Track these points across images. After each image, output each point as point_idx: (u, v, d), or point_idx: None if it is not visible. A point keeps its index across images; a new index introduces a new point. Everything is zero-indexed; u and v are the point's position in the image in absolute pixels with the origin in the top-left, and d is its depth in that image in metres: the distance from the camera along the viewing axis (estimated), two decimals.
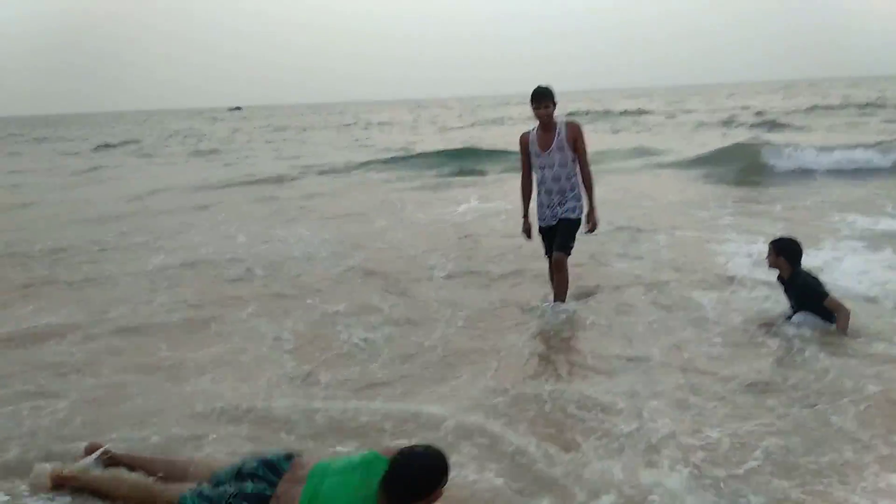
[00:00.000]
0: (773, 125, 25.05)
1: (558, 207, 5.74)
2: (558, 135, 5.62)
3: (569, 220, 5.73)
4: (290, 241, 8.94)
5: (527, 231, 6.01)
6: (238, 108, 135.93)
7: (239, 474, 2.93)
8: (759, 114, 31.05)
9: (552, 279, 5.95)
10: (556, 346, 5.09)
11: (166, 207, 12.75)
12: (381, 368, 4.72)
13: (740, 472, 3.25)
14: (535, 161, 5.76)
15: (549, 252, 5.94)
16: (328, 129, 41.49)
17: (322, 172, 18.38)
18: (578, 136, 5.66)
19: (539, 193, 5.85)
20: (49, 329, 5.59)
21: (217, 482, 2.95)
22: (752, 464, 3.31)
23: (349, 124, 46.71)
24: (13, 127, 69.42)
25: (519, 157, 5.93)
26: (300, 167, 19.56)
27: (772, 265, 5.32)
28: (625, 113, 37.82)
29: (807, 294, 5.14)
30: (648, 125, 30.36)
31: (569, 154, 5.65)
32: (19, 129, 61.35)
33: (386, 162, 19.76)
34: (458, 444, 3.54)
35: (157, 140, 36.83)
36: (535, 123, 5.78)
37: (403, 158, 20.40)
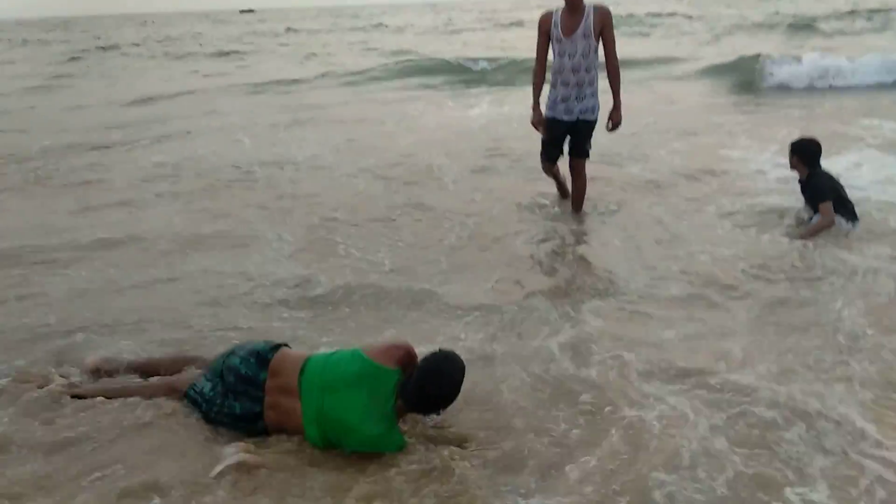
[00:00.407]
0: (809, 29, 23.74)
1: (575, 102, 5.26)
2: (586, 19, 5.09)
3: (588, 122, 5.32)
4: (296, 147, 8.76)
5: (539, 122, 5.45)
6: (250, 11, 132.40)
7: (222, 374, 2.90)
8: (794, 17, 29.36)
9: (553, 178, 5.88)
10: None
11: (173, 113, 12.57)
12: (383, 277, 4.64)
13: None
14: (554, 47, 5.23)
15: (551, 148, 5.56)
16: (341, 33, 40.10)
17: (335, 77, 17.92)
18: (608, 23, 5.13)
19: (554, 84, 5.33)
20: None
21: (209, 376, 2.96)
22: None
23: (359, 28, 44.97)
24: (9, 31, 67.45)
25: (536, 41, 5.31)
26: (316, 72, 18.97)
27: (792, 166, 5.34)
28: (651, 16, 36.13)
29: (814, 196, 5.20)
30: (673, 29, 28.99)
31: (593, 43, 5.14)
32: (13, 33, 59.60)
33: (397, 66, 19.19)
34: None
35: (158, 44, 35.69)
36: (558, 3, 5.26)
37: (414, 63, 19.76)
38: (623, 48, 5.57)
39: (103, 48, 32.77)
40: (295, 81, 16.87)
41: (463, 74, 17.43)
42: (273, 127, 10.41)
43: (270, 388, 2.80)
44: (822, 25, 24.15)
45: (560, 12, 5.18)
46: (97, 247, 5.22)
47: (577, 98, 5.27)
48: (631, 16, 33.52)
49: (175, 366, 3.25)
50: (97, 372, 3.27)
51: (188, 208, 6.24)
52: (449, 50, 22.75)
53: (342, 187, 6.83)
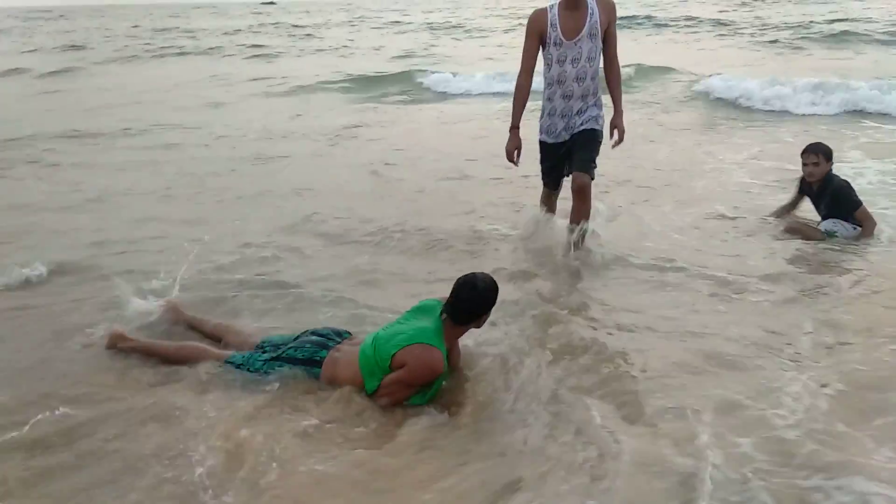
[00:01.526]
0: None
1: (576, 117, 4.48)
2: (590, 16, 4.32)
3: (592, 130, 4.48)
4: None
5: (516, 149, 4.50)
6: (272, 3, 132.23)
7: (299, 338, 3.25)
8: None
9: (547, 208, 4.95)
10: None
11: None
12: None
13: None
14: (552, 53, 4.40)
15: (554, 178, 4.79)
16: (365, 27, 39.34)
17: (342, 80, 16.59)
18: (613, 18, 4.42)
19: (550, 97, 4.52)
20: None
21: (270, 345, 3.28)
22: None
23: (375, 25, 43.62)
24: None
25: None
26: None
27: (810, 171, 5.04)
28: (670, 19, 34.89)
29: (840, 199, 4.97)
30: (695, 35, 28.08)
31: (599, 44, 4.40)
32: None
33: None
34: None
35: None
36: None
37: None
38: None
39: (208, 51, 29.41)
40: None
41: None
42: None
43: (343, 343, 3.23)
44: None
45: (557, 9, 4.38)
46: None
47: (579, 112, 4.50)
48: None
49: (216, 332, 3.59)
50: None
51: None
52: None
53: None
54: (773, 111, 10.71)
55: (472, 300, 2.99)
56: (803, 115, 10.39)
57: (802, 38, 18.68)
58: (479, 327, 3.15)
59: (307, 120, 11.33)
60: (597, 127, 4.53)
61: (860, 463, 2.50)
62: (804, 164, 5.10)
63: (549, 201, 4.98)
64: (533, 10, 4.53)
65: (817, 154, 5.02)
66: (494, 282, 3.06)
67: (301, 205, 6.24)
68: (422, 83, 14.92)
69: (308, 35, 32.65)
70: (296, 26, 38.81)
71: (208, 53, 25.08)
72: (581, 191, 4.47)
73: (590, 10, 4.32)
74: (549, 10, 4.41)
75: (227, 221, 5.79)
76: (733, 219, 5.63)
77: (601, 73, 4.53)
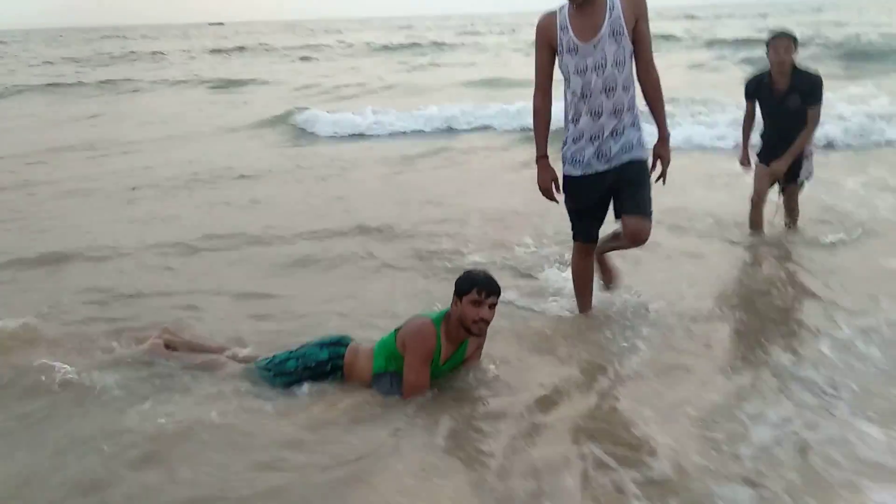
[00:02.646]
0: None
1: (611, 142, 3.51)
2: (610, 11, 3.38)
3: (638, 162, 3.55)
4: None
5: (552, 181, 3.64)
6: (220, 24, 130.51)
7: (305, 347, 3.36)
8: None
9: (602, 273, 4.08)
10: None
11: None
12: None
13: None
14: (568, 63, 3.48)
15: (587, 220, 3.74)
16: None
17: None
18: (643, 12, 3.43)
19: (575, 118, 3.56)
20: None
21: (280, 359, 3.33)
22: None
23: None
24: None
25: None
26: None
27: (781, 59, 4.78)
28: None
29: (813, 92, 4.79)
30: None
31: (627, 45, 3.42)
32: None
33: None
34: None
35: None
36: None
37: None
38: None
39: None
40: None
41: None
42: None
43: (352, 347, 3.34)
44: None
45: (567, 9, 3.48)
46: None
47: (613, 133, 3.52)
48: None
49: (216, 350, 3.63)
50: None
51: None
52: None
53: None
54: None
55: (478, 274, 3.12)
56: None
57: None
58: (475, 324, 3.07)
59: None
60: (643, 155, 3.59)
61: None
62: (775, 53, 4.80)
63: (584, 266, 3.88)
64: (542, 14, 3.59)
65: (789, 38, 4.77)
66: (488, 274, 3.16)
67: None
68: (296, 124, 12.45)
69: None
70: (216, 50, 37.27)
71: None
72: (638, 238, 3.62)
73: (609, 4, 3.39)
74: (557, 12, 3.50)
75: None
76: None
77: (635, 84, 3.58)
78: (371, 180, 8.27)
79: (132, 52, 37.34)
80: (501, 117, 11.79)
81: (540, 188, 3.67)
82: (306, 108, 12.97)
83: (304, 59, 31.01)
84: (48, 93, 20.10)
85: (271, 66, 27.57)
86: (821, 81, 4.86)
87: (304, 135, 11.86)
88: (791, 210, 5.36)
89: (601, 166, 3.57)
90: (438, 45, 33.80)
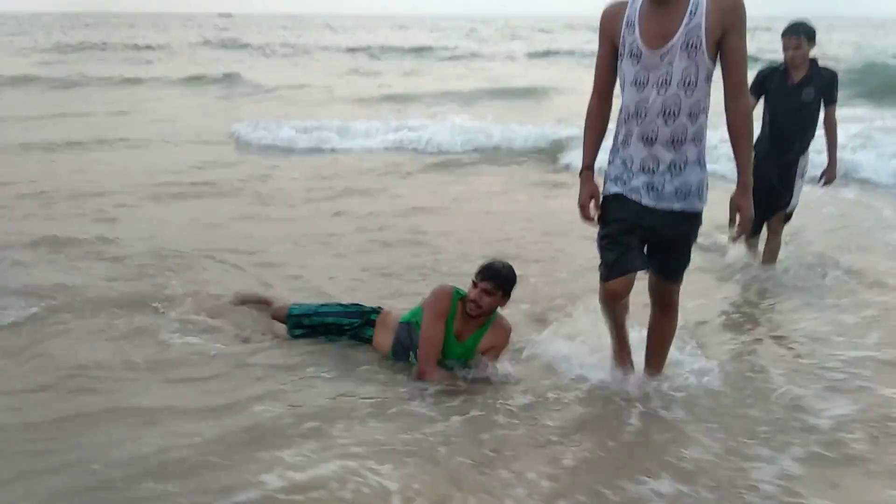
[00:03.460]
0: None
1: (667, 177, 2.82)
2: (690, 16, 2.66)
3: (688, 215, 2.89)
4: None
5: (591, 198, 3.00)
6: (228, 15, 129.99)
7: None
8: None
9: (614, 325, 3.15)
10: None
11: None
12: None
13: None
14: (626, 69, 2.82)
15: (622, 247, 2.92)
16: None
17: None
18: (735, 22, 2.66)
19: (626, 139, 2.89)
20: None
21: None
22: None
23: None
24: None
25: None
26: None
27: (791, 55, 4.53)
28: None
29: (833, 90, 4.56)
30: None
31: (704, 62, 2.70)
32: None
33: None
34: None
35: None
36: None
37: None
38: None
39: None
40: None
41: None
42: None
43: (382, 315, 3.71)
44: None
45: (639, 4, 2.78)
46: None
47: (672, 168, 2.83)
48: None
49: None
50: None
51: None
52: None
53: None
54: None
55: (500, 267, 3.38)
56: None
57: None
58: (476, 303, 3.32)
59: None
60: (698, 207, 2.90)
61: None
62: (784, 50, 4.58)
63: (615, 307, 3.07)
64: (609, 2, 2.90)
65: (798, 36, 4.52)
66: (505, 266, 3.41)
67: None
68: (232, 133, 11.23)
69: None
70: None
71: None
72: (662, 298, 3.10)
73: (691, 7, 2.66)
74: (629, 2, 2.81)
75: None
76: None
77: (707, 113, 2.84)
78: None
79: (104, 42, 34.66)
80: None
81: (580, 204, 3.01)
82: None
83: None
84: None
85: (235, 63, 25.52)
86: (836, 78, 4.61)
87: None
88: (773, 248, 4.88)
89: (648, 199, 2.87)
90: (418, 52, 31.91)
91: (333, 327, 3.67)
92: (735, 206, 2.81)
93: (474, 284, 3.32)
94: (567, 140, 9.61)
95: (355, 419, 2.95)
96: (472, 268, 3.48)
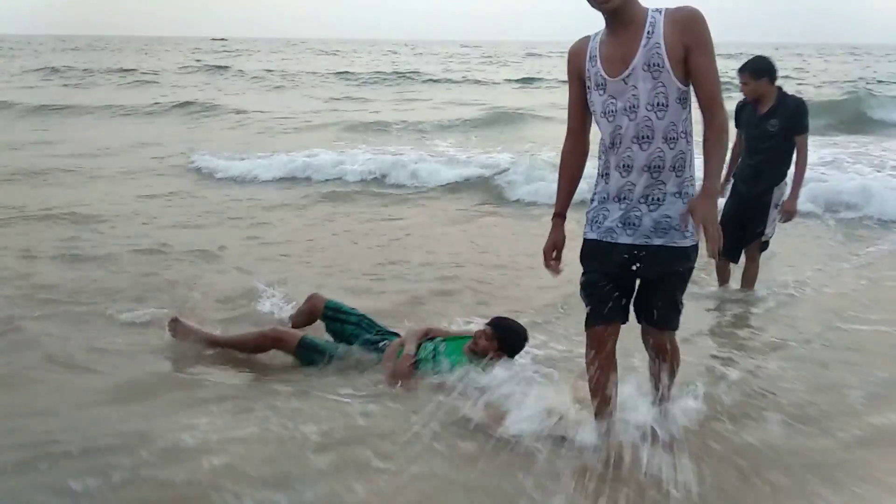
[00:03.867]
0: None
1: (643, 209, 2.67)
2: (647, 38, 2.57)
3: (672, 252, 2.69)
4: None
5: (554, 247, 2.92)
6: (223, 39, 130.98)
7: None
8: None
9: (597, 385, 2.86)
10: None
11: None
12: None
13: None
14: (595, 102, 2.72)
15: (602, 296, 2.75)
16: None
17: None
18: (696, 38, 2.55)
19: (605, 174, 2.77)
20: None
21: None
22: None
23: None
24: None
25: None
26: None
27: (751, 94, 4.63)
28: None
29: (799, 120, 4.55)
30: None
31: (672, 83, 2.57)
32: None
33: None
34: None
35: None
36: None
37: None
38: None
39: None
40: None
41: None
42: None
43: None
44: None
45: (600, 35, 2.71)
46: None
47: (647, 199, 2.67)
48: None
49: (261, 346, 3.86)
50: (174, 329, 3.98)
51: None
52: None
53: None
54: None
55: (514, 327, 3.70)
56: None
57: None
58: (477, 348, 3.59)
59: None
60: (682, 243, 2.69)
61: None
62: (741, 88, 4.76)
63: (602, 361, 2.81)
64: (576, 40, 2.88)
65: (743, 73, 4.66)
66: (515, 324, 3.72)
67: None
68: (194, 163, 11.09)
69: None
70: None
71: None
72: (661, 350, 2.93)
73: (647, 29, 2.57)
74: (592, 37, 2.76)
75: None
76: None
77: (689, 138, 2.71)
78: None
79: (86, 69, 33.83)
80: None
81: (544, 250, 2.95)
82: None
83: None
84: None
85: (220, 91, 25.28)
86: (805, 107, 4.63)
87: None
88: (751, 275, 4.95)
89: (624, 237, 2.71)
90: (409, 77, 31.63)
91: (357, 328, 3.91)
92: (690, 207, 2.59)
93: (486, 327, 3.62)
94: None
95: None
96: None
